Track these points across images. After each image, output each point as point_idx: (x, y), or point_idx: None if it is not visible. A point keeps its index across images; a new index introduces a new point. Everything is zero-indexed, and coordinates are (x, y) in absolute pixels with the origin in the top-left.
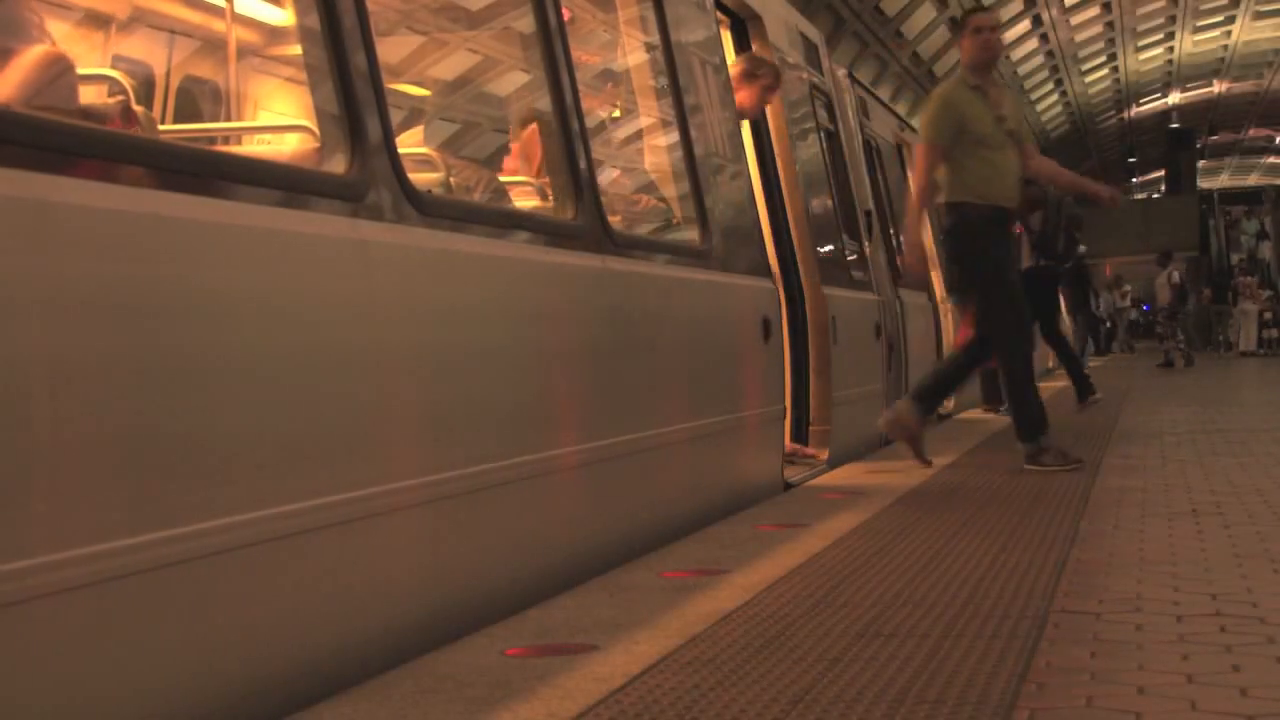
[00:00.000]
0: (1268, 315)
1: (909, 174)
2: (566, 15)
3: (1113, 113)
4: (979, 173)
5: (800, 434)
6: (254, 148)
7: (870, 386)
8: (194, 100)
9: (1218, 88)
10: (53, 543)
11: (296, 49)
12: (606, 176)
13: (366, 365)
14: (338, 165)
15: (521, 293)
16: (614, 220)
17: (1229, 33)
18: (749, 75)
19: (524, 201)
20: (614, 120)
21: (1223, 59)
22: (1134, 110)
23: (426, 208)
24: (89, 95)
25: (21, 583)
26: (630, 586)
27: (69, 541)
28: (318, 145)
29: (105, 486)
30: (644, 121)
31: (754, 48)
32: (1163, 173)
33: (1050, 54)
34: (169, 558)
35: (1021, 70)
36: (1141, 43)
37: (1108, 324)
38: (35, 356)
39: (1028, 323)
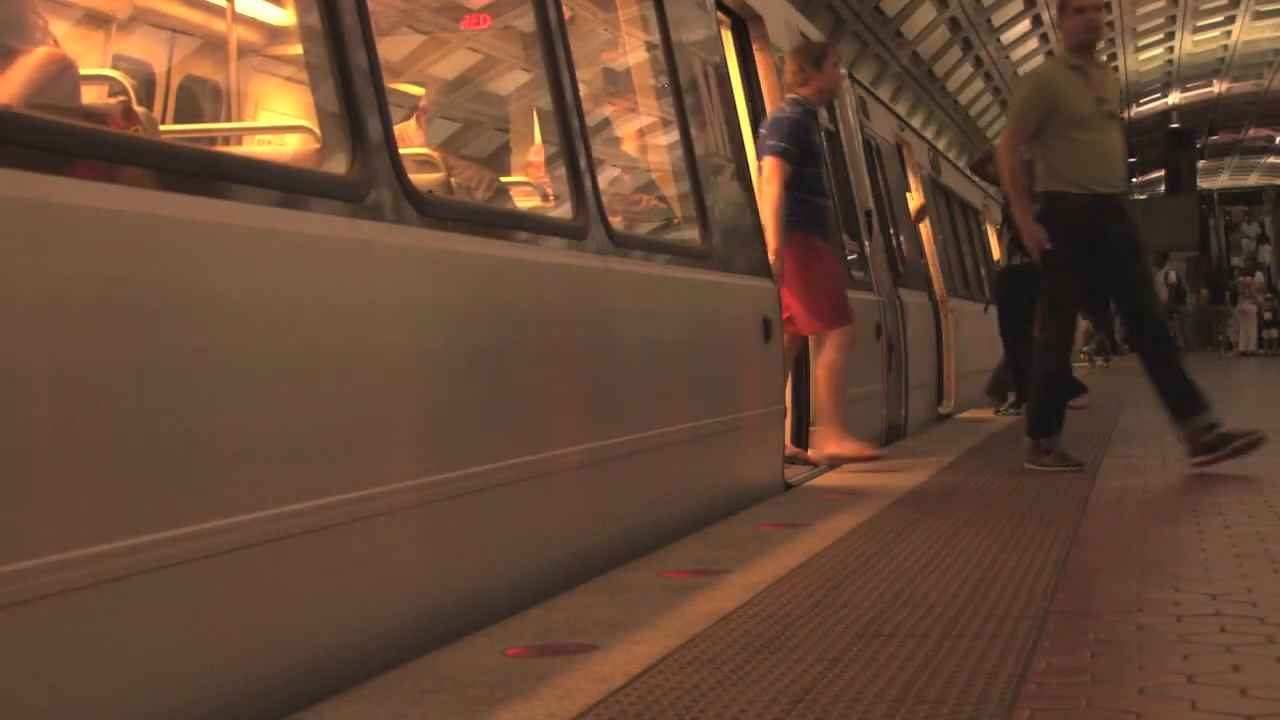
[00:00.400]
0: (1268, 315)
1: (909, 174)
2: (567, 14)
3: None
4: (1073, 157)
5: (800, 436)
6: (254, 148)
7: (870, 387)
8: (195, 100)
9: (1218, 88)
10: (54, 543)
11: (297, 49)
12: (607, 176)
13: (367, 365)
14: (338, 165)
15: (522, 293)
16: (614, 220)
17: (1229, 33)
18: (818, 60)
19: (525, 201)
20: (615, 119)
21: (1223, 59)
22: (1134, 110)
23: (427, 208)
24: (90, 95)
25: (23, 584)
26: (630, 586)
27: (70, 542)
28: (318, 145)
29: (106, 487)
30: (644, 121)
31: (754, 48)
32: (1163, 173)
33: (1050, 54)
34: (170, 558)
35: (1021, 71)
36: (1141, 43)
37: None
38: (35, 357)
39: (1072, 328)
